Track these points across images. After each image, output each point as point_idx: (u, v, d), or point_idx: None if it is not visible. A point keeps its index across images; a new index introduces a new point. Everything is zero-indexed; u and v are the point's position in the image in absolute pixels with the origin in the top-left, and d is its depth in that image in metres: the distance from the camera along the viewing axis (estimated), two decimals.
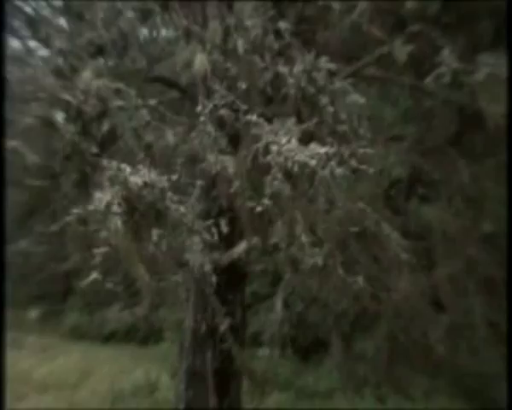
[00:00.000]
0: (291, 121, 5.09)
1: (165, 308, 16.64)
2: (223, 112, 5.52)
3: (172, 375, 8.42)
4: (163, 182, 5.06)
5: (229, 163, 5.33)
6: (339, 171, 4.73)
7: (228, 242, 6.19)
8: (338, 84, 5.65)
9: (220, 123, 5.60)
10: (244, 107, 5.42)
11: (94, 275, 5.10)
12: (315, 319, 10.40)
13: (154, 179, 4.99)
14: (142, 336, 20.14)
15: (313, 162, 4.66)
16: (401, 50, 6.11)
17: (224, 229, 5.60)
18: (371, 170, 5.03)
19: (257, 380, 6.95)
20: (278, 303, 9.41)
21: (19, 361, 14.87)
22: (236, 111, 5.48)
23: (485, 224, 7.22)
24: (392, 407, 10.21)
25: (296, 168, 4.71)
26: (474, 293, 6.90)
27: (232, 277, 6.68)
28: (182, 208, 5.21)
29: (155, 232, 4.97)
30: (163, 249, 5.03)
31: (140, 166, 5.03)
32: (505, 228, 6.28)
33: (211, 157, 5.40)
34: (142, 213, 5.01)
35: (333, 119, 5.54)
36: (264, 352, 10.77)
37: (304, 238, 4.95)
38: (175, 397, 7.17)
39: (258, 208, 4.96)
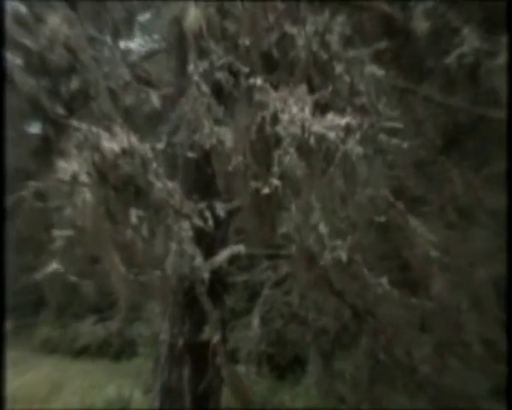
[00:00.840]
0: (302, 88, 4.37)
1: (140, 322, 16.41)
2: (219, 75, 4.80)
3: (146, 391, 8.16)
4: (145, 150, 4.34)
5: (227, 136, 4.55)
6: (359, 149, 4.10)
7: (208, 248, 5.73)
8: (353, 52, 4.87)
9: (216, 89, 4.86)
10: (245, 69, 4.64)
11: (54, 266, 4.60)
12: (293, 337, 10.17)
13: (135, 146, 4.26)
14: (116, 350, 19.91)
15: (332, 135, 4.03)
16: (421, 22, 5.37)
17: (221, 212, 5.00)
18: (405, 144, 4.48)
19: (243, 398, 6.50)
20: (255, 320, 9.19)
21: None
22: (236, 74, 4.74)
23: (479, 237, 6.94)
24: None
25: (312, 141, 4.05)
26: (466, 309, 6.61)
27: (212, 288, 6.20)
28: (168, 185, 4.49)
29: (134, 213, 4.23)
30: (143, 236, 4.32)
31: (117, 130, 4.28)
32: (501, 241, 6.00)
33: (205, 128, 4.61)
34: (117, 187, 4.21)
35: (349, 90, 4.75)
36: (240, 369, 10.57)
37: (322, 228, 4.29)
38: None
39: (265, 190, 4.24)
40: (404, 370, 7.33)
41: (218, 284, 6.24)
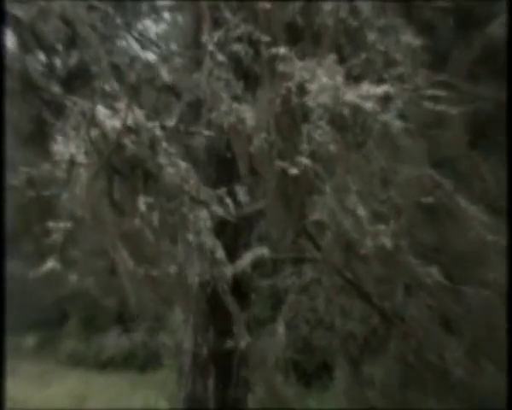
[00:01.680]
0: (331, 58, 3.84)
1: (165, 333, 16.28)
2: (237, 47, 4.33)
3: (171, 402, 7.98)
4: (154, 128, 3.84)
5: (248, 113, 3.98)
6: (399, 123, 3.65)
7: (231, 252, 5.43)
8: (386, 20, 4.45)
9: (234, 62, 4.39)
10: (266, 38, 4.12)
11: (51, 263, 4.25)
12: (320, 343, 9.96)
13: (141, 123, 3.77)
14: (141, 362, 19.84)
15: (368, 106, 3.56)
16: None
17: (242, 198, 4.57)
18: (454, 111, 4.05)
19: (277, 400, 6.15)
20: (281, 327, 9.00)
21: (13, 389, 14.52)
22: (256, 45, 4.26)
23: None
24: None
25: (346, 113, 3.57)
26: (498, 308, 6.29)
27: (235, 294, 5.94)
28: (182, 168, 3.97)
29: (142, 201, 3.75)
30: (154, 225, 3.83)
31: (120, 106, 3.79)
32: None
33: (223, 106, 4.09)
34: (122, 171, 3.72)
35: (384, 60, 4.31)
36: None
37: (361, 211, 3.79)
38: None
39: (293, 171, 3.75)
40: (436, 373, 7.09)
41: (242, 289, 6.02)
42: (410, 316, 7.42)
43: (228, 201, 4.45)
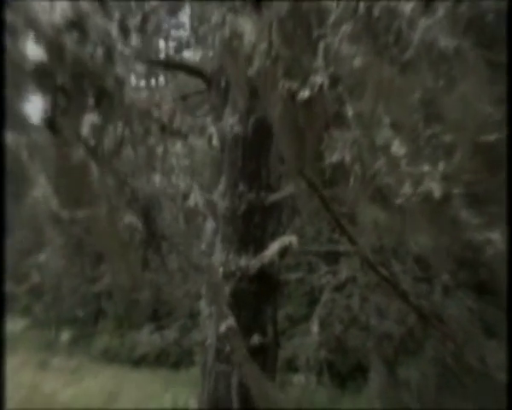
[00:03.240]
0: None
1: (198, 331, 16.14)
2: None
3: (199, 401, 7.77)
4: (109, 26, 2.93)
5: (247, 26, 3.01)
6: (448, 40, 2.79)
7: (257, 242, 5.16)
8: None
9: None
10: None
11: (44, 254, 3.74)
12: (354, 343, 9.68)
13: (89, 16, 2.80)
14: (174, 360, 19.80)
15: (407, 9, 2.77)
16: None
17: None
18: None
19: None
20: (315, 326, 8.74)
21: (45, 383, 14.57)
22: None
23: None
24: None
25: (376, 13, 2.75)
26: None
27: (262, 286, 5.63)
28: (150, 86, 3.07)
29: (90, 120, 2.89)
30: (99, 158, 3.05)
31: None
32: None
33: (214, 16, 3.19)
34: (68, 87, 2.78)
35: None
36: (299, 378, 10.15)
37: (397, 149, 3.00)
38: None
39: (304, 94, 2.98)
40: (476, 378, 6.74)
41: (270, 281, 5.71)
42: (449, 316, 7.11)
43: (212, 130, 3.79)
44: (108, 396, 13.90)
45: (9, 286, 9.48)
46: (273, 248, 4.81)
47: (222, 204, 5.00)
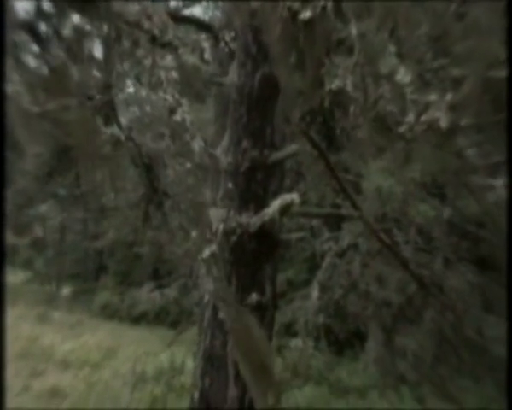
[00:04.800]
0: None
1: (198, 291, 16.14)
2: None
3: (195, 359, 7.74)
4: None
5: None
6: None
7: (258, 200, 5.06)
8: None
9: None
10: None
11: None
12: (354, 309, 9.65)
13: None
14: (173, 319, 19.88)
15: None
16: None
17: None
18: None
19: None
20: (315, 290, 8.71)
21: (44, 336, 14.66)
22: None
23: None
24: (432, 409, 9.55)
25: None
26: None
27: (261, 244, 5.53)
28: None
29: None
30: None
31: None
32: None
33: None
34: None
35: None
36: (296, 343, 10.14)
37: (402, 76, 2.81)
38: (192, 385, 6.34)
39: (305, 14, 2.78)
40: (474, 350, 6.70)
41: (269, 240, 5.61)
42: (449, 288, 7.06)
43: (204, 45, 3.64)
44: (106, 352, 13.99)
45: (10, 238, 9.43)
46: (274, 205, 4.73)
47: (224, 160, 4.92)
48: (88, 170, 5.55)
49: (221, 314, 5.21)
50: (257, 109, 5.07)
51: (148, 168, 5.14)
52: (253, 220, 4.83)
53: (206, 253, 4.59)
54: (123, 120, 4.11)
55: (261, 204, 4.92)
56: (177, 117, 3.73)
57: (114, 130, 3.63)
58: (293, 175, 9.19)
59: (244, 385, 5.36)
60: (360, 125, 3.54)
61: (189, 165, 4.16)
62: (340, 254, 8.78)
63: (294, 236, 9.39)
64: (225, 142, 5.00)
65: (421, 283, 6.33)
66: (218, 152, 5.12)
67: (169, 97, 3.56)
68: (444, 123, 2.96)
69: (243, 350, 4.22)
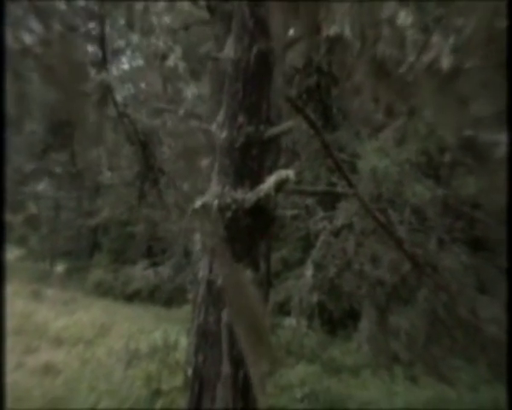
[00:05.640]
0: None
1: (192, 269, 16.16)
2: None
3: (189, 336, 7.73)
4: None
5: None
6: None
7: (253, 176, 5.00)
8: None
9: None
10: None
11: None
12: (347, 288, 9.67)
13: None
14: (167, 297, 19.95)
15: None
16: None
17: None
18: None
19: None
20: (309, 268, 8.72)
21: (37, 312, 14.67)
22: None
23: None
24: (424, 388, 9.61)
25: None
26: None
27: (256, 221, 5.48)
28: None
29: None
30: None
31: None
32: None
33: None
34: None
35: None
36: (290, 322, 10.16)
37: (402, 19, 2.70)
38: (185, 361, 6.31)
39: None
40: (467, 331, 6.71)
41: (264, 216, 5.54)
42: (443, 268, 7.07)
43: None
44: (100, 329, 13.99)
45: (6, 215, 9.41)
46: (269, 181, 4.71)
47: (220, 135, 4.88)
48: (84, 147, 5.52)
49: (215, 287, 5.19)
50: (253, 85, 5.02)
51: (144, 145, 5.13)
52: (248, 196, 4.80)
53: (198, 203, 4.59)
54: (118, 98, 4.10)
55: (256, 180, 4.88)
56: (170, 63, 3.73)
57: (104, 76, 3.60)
58: (289, 154, 9.18)
59: (238, 362, 5.35)
60: (357, 68, 3.41)
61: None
62: (335, 234, 8.79)
63: (289, 213, 9.37)
64: (220, 117, 4.97)
65: (416, 262, 6.35)
66: (214, 127, 5.09)
67: (161, 43, 3.55)
68: (445, 64, 2.87)
69: (237, 309, 4.23)
